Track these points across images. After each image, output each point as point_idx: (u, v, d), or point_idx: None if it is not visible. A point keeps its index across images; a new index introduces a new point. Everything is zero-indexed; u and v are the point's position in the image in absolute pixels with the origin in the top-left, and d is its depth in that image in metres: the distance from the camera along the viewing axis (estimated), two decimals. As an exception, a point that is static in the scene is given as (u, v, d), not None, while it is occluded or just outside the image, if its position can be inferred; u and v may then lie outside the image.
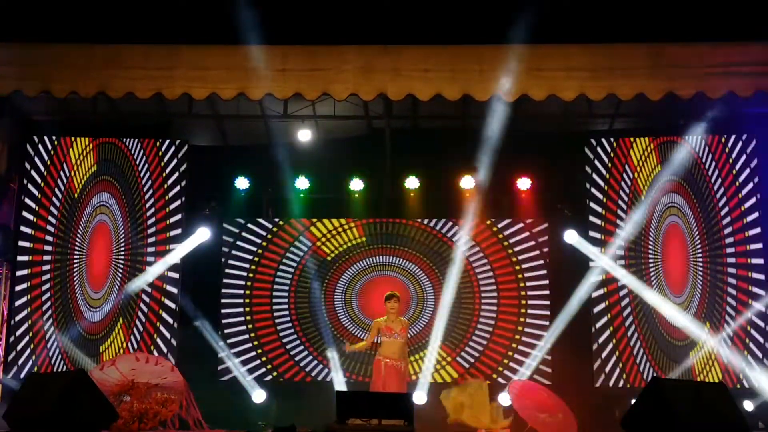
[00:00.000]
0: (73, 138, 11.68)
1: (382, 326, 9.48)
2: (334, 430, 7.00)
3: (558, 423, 9.81)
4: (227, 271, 11.98)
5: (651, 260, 11.32)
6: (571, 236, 11.61)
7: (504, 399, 10.86)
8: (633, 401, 7.29)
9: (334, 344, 11.62)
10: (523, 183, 11.86)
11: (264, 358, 11.74)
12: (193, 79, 9.89)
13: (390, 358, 9.32)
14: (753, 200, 11.20)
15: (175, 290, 11.44)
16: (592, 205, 11.51)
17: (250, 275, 11.99)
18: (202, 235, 11.79)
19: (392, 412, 7.13)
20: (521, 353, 11.54)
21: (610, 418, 10.35)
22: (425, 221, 12.06)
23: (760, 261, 11.06)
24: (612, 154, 11.56)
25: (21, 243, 11.40)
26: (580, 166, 11.61)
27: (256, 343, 11.79)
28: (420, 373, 11.34)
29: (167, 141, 11.80)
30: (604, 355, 11.16)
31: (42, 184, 11.55)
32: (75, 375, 7.39)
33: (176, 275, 11.48)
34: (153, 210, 11.64)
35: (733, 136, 11.35)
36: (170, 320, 11.36)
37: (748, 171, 11.26)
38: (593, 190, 11.53)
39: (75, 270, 11.47)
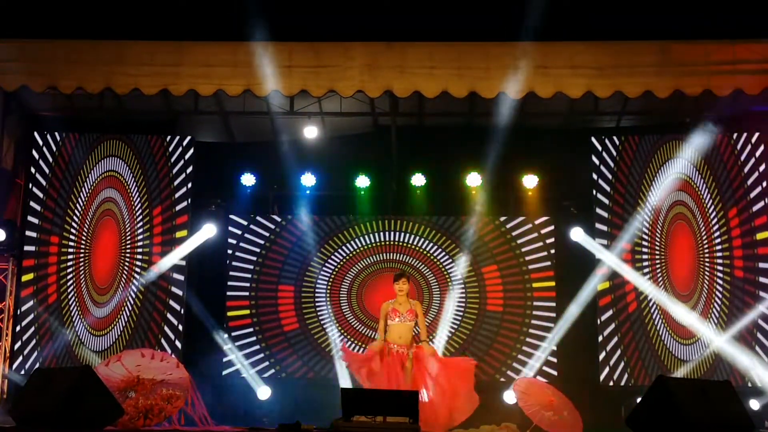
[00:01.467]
0: (79, 134, 11.69)
1: (389, 309, 8.86)
2: (339, 427, 6.99)
3: (563, 421, 9.78)
4: (233, 265, 11.97)
5: (657, 258, 11.29)
6: (576, 234, 11.59)
7: (509, 397, 10.87)
8: (639, 400, 7.28)
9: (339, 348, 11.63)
10: (530, 180, 11.85)
11: (268, 353, 11.74)
12: (199, 76, 9.93)
13: (395, 343, 8.70)
14: (761, 204, 11.14)
15: (180, 286, 11.44)
16: (598, 202, 11.48)
17: (256, 271, 11.98)
18: (208, 231, 11.80)
19: (397, 410, 7.12)
20: (527, 351, 11.52)
21: (615, 417, 10.35)
22: (431, 218, 12.04)
23: (767, 265, 11.03)
24: (619, 152, 11.53)
25: (28, 239, 11.42)
26: (586, 164, 11.59)
27: (260, 336, 11.79)
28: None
29: (174, 138, 11.80)
30: (609, 353, 11.13)
31: (48, 180, 11.57)
32: (81, 371, 7.40)
33: (182, 271, 11.49)
34: (159, 206, 11.64)
35: (744, 135, 11.30)
36: (175, 316, 11.37)
37: (757, 173, 11.19)
38: (600, 187, 11.49)
39: (81, 266, 11.49)
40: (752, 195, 11.19)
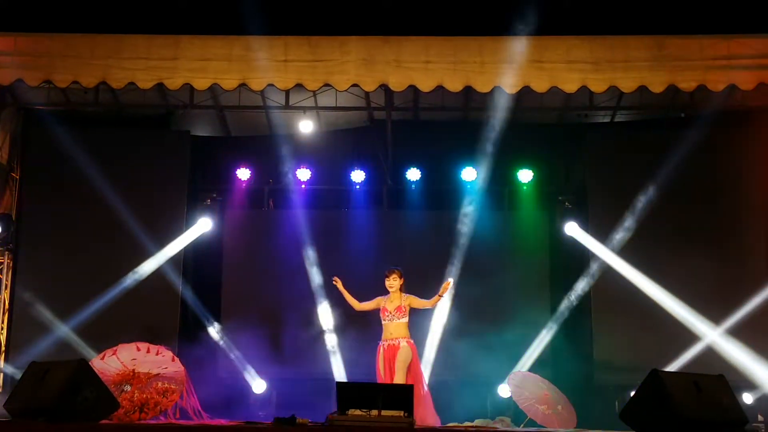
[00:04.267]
0: (74, 128, 11.67)
1: (381, 305, 8.96)
2: (334, 421, 7.00)
3: (557, 415, 9.83)
4: (228, 259, 11.97)
5: (651, 252, 11.30)
6: (571, 228, 11.62)
7: (504, 390, 10.90)
8: (632, 393, 7.31)
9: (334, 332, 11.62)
10: (525, 175, 11.87)
11: (264, 347, 11.73)
12: (194, 70, 9.93)
13: (386, 339, 8.83)
14: (754, 199, 11.17)
15: (176, 280, 11.44)
16: (592, 197, 11.50)
17: (251, 265, 11.98)
18: (203, 225, 11.81)
19: (392, 403, 7.13)
20: (521, 345, 11.51)
21: (609, 411, 10.38)
22: (426, 212, 12.04)
23: (761, 257, 11.05)
24: (613, 147, 11.54)
25: (23, 232, 11.41)
26: (581, 158, 11.62)
27: (255, 330, 11.77)
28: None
29: (169, 132, 11.79)
30: (603, 347, 11.16)
31: (44, 174, 11.56)
32: (76, 364, 7.39)
33: (177, 265, 11.49)
34: (155, 200, 11.63)
35: (735, 130, 11.32)
36: (171, 309, 11.37)
37: (750, 164, 11.22)
38: (594, 182, 11.51)
39: (76, 259, 11.47)
40: (747, 188, 11.21)
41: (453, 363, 11.55)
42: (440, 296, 8.97)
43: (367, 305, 9.14)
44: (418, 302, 9.04)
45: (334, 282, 9.27)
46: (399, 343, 8.78)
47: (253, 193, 12.24)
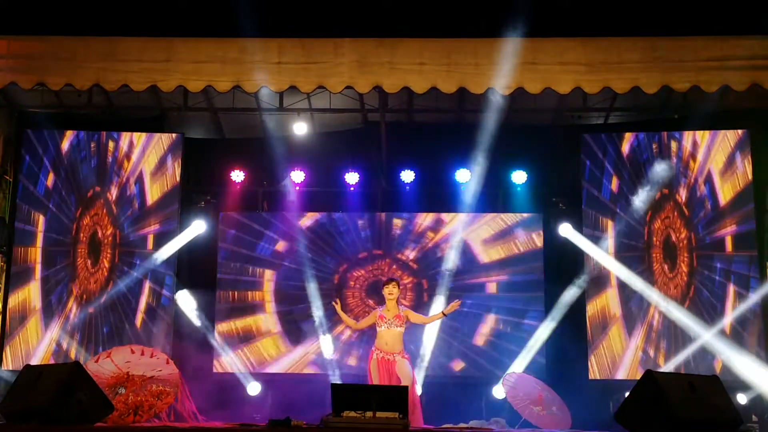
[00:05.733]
0: (68, 131, 11.66)
1: (378, 315, 8.85)
2: (329, 423, 7.00)
3: (552, 416, 9.84)
4: (223, 261, 11.96)
5: (646, 253, 11.33)
6: (565, 230, 11.62)
7: (498, 392, 10.90)
8: (627, 394, 7.32)
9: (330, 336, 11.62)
10: (519, 176, 11.87)
11: (259, 349, 11.73)
12: (188, 72, 9.89)
13: (381, 349, 8.73)
14: (747, 199, 11.19)
15: (170, 283, 11.43)
16: (587, 198, 11.51)
17: (245, 267, 11.98)
18: (197, 227, 11.79)
19: (387, 405, 7.13)
20: (516, 346, 11.52)
21: (604, 412, 10.39)
22: (420, 214, 12.05)
23: (755, 256, 11.07)
24: (607, 148, 11.56)
25: (17, 235, 11.39)
26: (575, 159, 11.62)
27: (250, 332, 11.78)
28: (415, 367, 11.33)
29: (163, 134, 11.78)
30: (598, 348, 11.17)
31: (37, 176, 11.54)
32: (70, 367, 7.38)
33: (171, 267, 11.48)
34: (148, 203, 11.63)
35: (728, 131, 11.34)
36: (165, 312, 11.36)
37: (742, 166, 11.25)
38: (588, 183, 11.53)
39: (70, 262, 11.45)
40: (739, 190, 11.23)
41: (448, 364, 11.56)
42: (444, 314, 8.95)
43: (364, 323, 9.15)
44: (416, 317, 9.08)
45: (333, 304, 9.23)
46: (395, 358, 8.70)
47: (247, 195, 12.22)
